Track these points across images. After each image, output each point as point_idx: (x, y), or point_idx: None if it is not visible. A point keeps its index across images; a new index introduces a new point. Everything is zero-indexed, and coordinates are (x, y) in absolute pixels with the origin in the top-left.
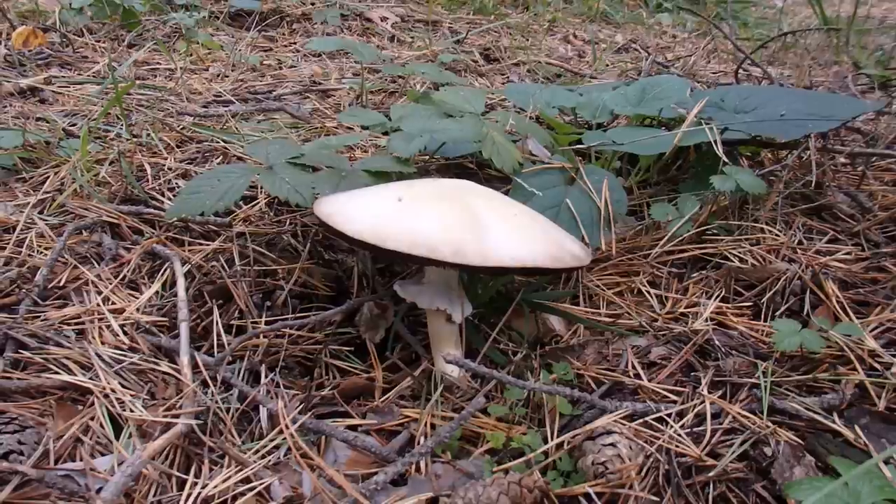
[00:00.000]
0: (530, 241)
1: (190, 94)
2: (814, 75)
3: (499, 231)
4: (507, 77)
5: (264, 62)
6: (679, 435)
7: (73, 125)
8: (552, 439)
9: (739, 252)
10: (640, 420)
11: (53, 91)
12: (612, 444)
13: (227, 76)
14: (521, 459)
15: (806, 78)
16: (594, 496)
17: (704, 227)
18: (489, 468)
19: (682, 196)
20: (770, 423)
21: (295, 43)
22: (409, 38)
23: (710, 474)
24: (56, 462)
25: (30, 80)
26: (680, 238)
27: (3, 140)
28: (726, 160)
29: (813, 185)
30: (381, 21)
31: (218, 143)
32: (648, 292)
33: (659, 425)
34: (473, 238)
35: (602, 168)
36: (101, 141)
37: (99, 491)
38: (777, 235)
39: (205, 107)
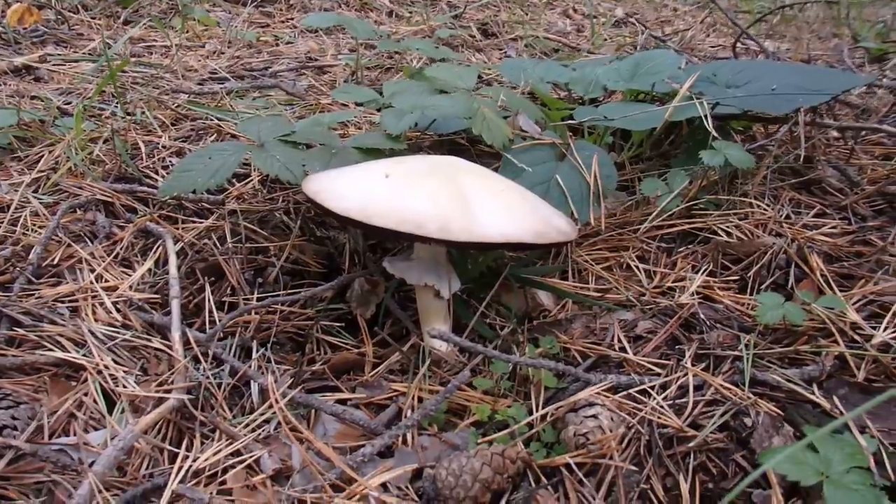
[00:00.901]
0: (516, 216)
1: (185, 72)
2: (812, 48)
3: (485, 207)
4: (505, 52)
5: (261, 39)
6: (661, 406)
7: (68, 104)
8: (537, 411)
9: (727, 226)
10: (624, 392)
11: (48, 69)
12: (594, 416)
13: (223, 53)
14: (505, 431)
15: (804, 51)
16: (574, 466)
17: (694, 202)
18: (474, 440)
19: (671, 171)
20: (751, 395)
21: (292, 19)
22: (408, 13)
23: (691, 444)
24: (50, 437)
25: (24, 59)
26: (669, 213)
27: (2, 118)
28: (716, 135)
29: (802, 159)
30: None
31: (212, 120)
32: (637, 267)
33: (642, 397)
34: (460, 214)
35: (593, 144)
36: (95, 119)
37: (92, 464)
38: (765, 210)
39: (200, 84)
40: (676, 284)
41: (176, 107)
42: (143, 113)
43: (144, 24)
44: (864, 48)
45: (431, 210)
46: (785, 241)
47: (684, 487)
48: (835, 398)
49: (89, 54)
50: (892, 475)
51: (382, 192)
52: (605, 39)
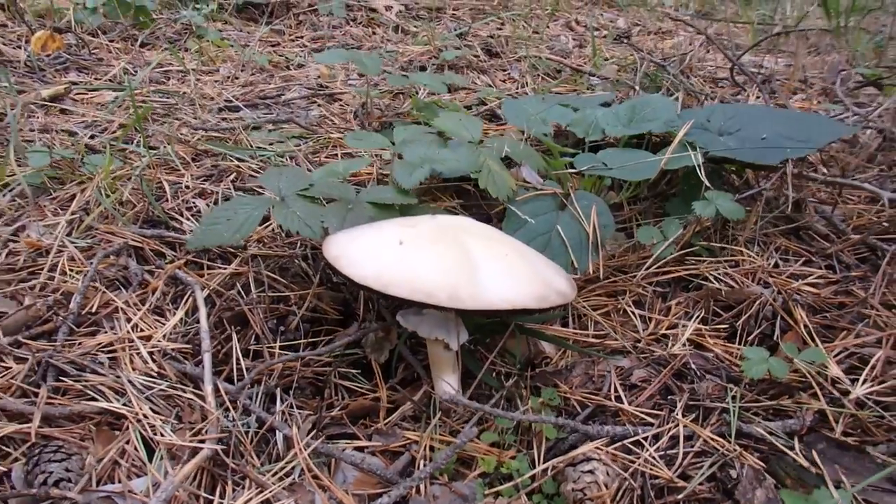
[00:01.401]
0: (519, 282)
1: (202, 100)
2: (810, 64)
3: (490, 272)
4: (509, 73)
5: (272, 62)
6: (653, 458)
7: (93, 138)
8: (539, 464)
9: (718, 273)
10: (619, 444)
11: (72, 98)
12: (591, 472)
13: (237, 78)
14: (510, 483)
15: (800, 72)
16: None
17: (688, 249)
18: (481, 491)
19: (666, 220)
20: (737, 447)
21: (302, 37)
22: (413, 28)
23: (680, 496)
24: (97, 484)
25: (51, 91)
26: (664, 260)
27: (32, 160)
28: (709, 185)
29: (790, 207)
30: (386, 10)
31: (232, 161)
32: (633, 312)
33: (636, 448)
34: (467, 281)
35: (590, 193)
36: (120, 154)
37: None
38: (754, 259)
39: (218, 112)
40: (670, 332)
41: (196, 140)
42: (166, 149)
43: (162, 50)
44: (861, 75)
45: (441, 280)
46: (772, 293)
47: None
48: (813, 452)
49: (110, 81)
50: None
51: (396, 262)
52: (606, 59)
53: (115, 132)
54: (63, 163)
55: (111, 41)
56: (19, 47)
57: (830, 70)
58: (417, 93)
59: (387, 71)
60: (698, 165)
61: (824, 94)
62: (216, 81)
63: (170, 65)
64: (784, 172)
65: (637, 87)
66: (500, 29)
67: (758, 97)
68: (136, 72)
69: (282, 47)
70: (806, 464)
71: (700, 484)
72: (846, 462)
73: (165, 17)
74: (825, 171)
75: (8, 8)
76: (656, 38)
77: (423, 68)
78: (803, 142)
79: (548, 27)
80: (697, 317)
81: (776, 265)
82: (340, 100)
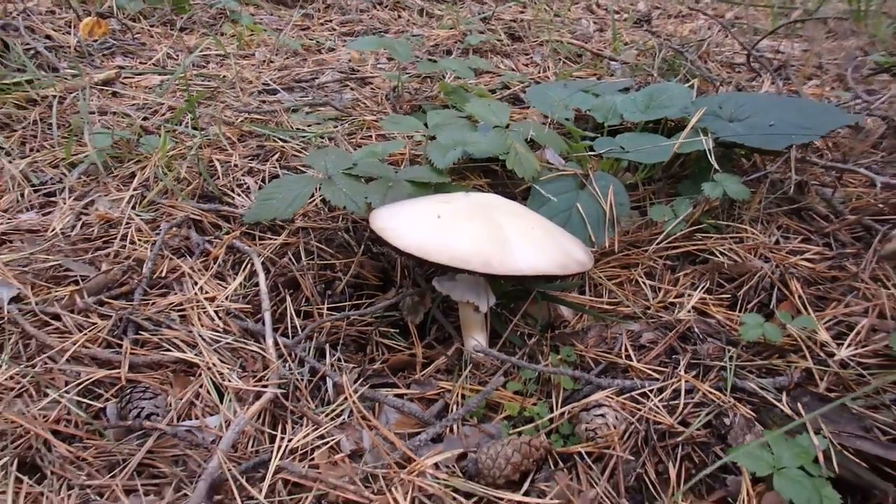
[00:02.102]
0: (543, 252)
1: (242, 84)
2: (827, 49)
3: (518, 244)
4: (531, 57)
5: (304, 46)
6: (657, 407)
7: (146, 119)
8: (556, 409)
9: (724, 249)
10: (627, 395)
11: (121, 82)
12: (602, 415)
13: (272, 62)
14: (531, 425)
15: (815, 58)
16: (585, 455)
17: (697, 226)
18: (506, 431)
19: (677, 200)
20: (732, 399)
21: (331, 21)
22: (438, 12)
23: (679, 438)
24: (178, 420)
25: (103, 75)
26: (675, 236)
27: (96, 141)
28: (717, 168)
29: (792, 189)
30: None
31: (275, 141)
32: (644, 283)
33: (642, 399)
34: (498, 251)
35: (608, 174)
36: (172, 135)
37: (213, 442)
38: (757, 236)
39: (258, 95)
40: (677, 300)
41: (241, 122)
42: (213, 129)
43: (201, 34)
44: (875, 62)
45: (475, 249)
46: (771, 267)
47: (672, 472)
48: (798, 404)
49: (155, 65)
50: (837, 469)
51: (435, 233)
52: (626, 44)
53: (164, 114)
54: (121, 143)
55: (152, 26)
56: (68, 33)
57: (847, 57)
58: (445, 77)
59: (416, 56)
60: (708, 150)
61: (839, 81)
62: (253, 65)
63: (208, 48)
64: (788, 157)
65: (655, 74)
66: (523, 12)
67: (773, 83)
68: (177, 56)
69: (312, 31)
70: (791, 413)
71: (697, 430)
72: (827, 413)
73: (201, 1)
74: (831, 156)
75: None
76: (676, 21)
77: (448, 52)
78: (808, 129)
79: (569, 10)
80: (702, 287)
81: (777, 242)
82: (372, 83)
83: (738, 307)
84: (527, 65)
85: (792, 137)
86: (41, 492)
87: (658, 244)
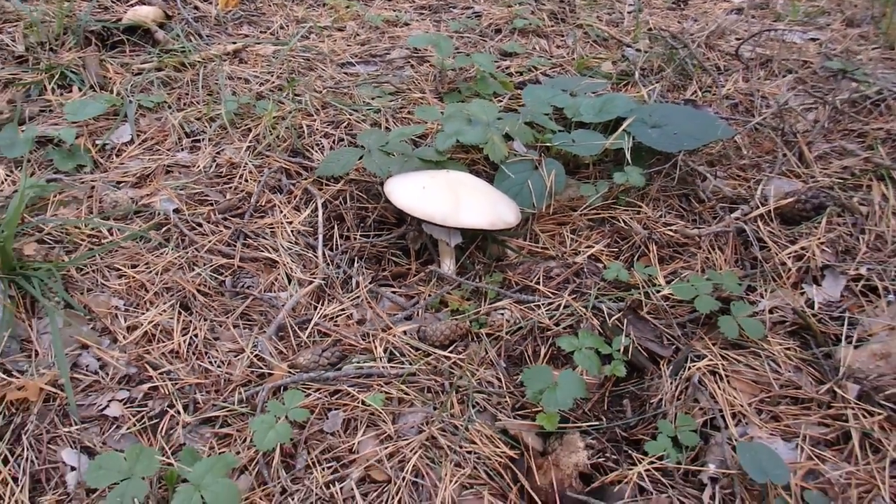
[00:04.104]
0: (481, 214)
1: (332, 55)
2: (834, 31)
3: (466, 208)
4: (565, 39)
5: (386, 20)
6: (542, 314)
7: (261, 85)
8: (481, 308)
9: (626, 217)
10: (525, 305)
11: (246, 51)
12: (502, 314)
13: (358, 34)
14: (462, 315)
15: (797, 53)
16: (486, 335)
17: (612, 201)
18: (448, 317)
19: (600, 182)
20: (590, 313)
21: None
22: None
23: (550, 332)
24: (264, 291)
25: (237, 45)
26: (596, 206)
27: (227, 105)
28: (629, 161)
29: (676, 181)
30: None
31: (347, 113)
32: (567, 236)
33: (536, 309)
34: (453, 212)
35: (555, 160)
36: (277, 101)
37: (282, 305)
38: (647, 211)
39: (341, 67)
40: (584, 249)
41: (325, 92)
42: (306, 97)
43: (308, 6)
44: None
45: (439, 209)
46: (647, 233)
47: (543, 350)
48: (625, 320)
49: (270, 35)
50: (630, 356)
51: (419, 198)
52: (650, 29)
53: (274, 82)
54: (243, 105)
55: None
56: (209, 2)
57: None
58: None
59: (469, 35)
60: (626, 148)
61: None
62: (343, 38)
63: (312, 19)
64: (677, 159)
65: (637, 70)
66: None
67: (746, 79)
68: (288, 26)
69: (396, 3)
70: (620, 325)
71: (563, 328)
72: (639, 326)
73: None
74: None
75: None
76: (711, 4)
77: (498, 31)
78: (697, 138)
79: None
80: (604, 243)
81: (661, 216)
82: (428, 61)
83: (617, 256)
84: (559, 47)
85: (683, 144)
86: (190, 321)
87: (582, 211)
